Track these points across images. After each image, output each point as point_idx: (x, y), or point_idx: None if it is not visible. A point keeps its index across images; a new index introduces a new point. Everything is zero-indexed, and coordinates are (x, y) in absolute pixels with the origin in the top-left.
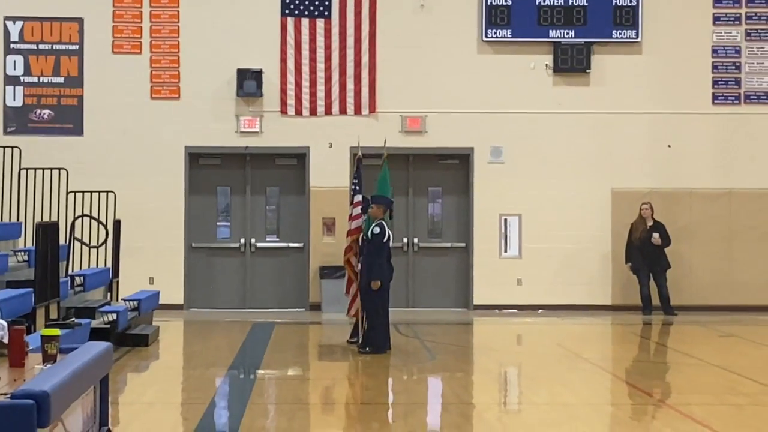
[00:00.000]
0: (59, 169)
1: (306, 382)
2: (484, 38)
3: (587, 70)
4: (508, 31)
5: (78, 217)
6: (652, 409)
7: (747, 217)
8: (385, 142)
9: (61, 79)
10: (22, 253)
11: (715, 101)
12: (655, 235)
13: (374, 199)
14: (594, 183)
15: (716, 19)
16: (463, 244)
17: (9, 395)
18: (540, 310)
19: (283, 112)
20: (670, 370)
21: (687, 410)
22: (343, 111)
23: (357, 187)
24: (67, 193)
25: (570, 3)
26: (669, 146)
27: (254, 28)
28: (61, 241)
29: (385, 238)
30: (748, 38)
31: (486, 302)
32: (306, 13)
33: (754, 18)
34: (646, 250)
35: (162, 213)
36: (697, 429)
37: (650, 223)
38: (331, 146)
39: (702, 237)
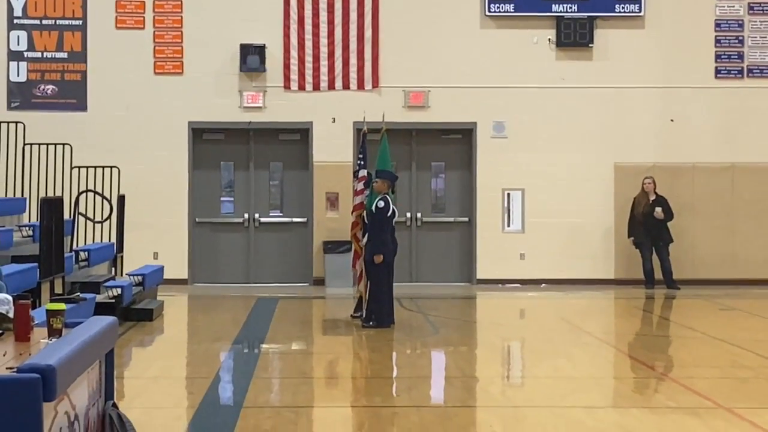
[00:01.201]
0: (63, 144)
1: (310, 357)
2: (487, 13)
3: (590, 45)
4: (511, 5)
5: (82, 192)
6: (655, 383)
7: (749, 191)
8: (383, 117)
9: (64, 55)
10: (27, 228)
11: (718, 75)
12: (658, 210)
13: (379, 174)
14: (597, 157)
15: None
16: (466, 219)
17: (15, 369)
18: (543, 285)
19: (287, 87)
20: (672, 343)
21: (690, 383)
22: (346, 86)
23: (362, 162)
24: (71, 169)
25: None
26: (672, 120)
27: (257, 3)
28: (66, 216)
29: (389, 213)
30: (751, 12)
31: (489, 277)
32: None
33: None
34: (648, 224)
35: (166, 188)
36: (700, 402)
37: (653, 197)
38: (334, 121)
39: (704, 211)
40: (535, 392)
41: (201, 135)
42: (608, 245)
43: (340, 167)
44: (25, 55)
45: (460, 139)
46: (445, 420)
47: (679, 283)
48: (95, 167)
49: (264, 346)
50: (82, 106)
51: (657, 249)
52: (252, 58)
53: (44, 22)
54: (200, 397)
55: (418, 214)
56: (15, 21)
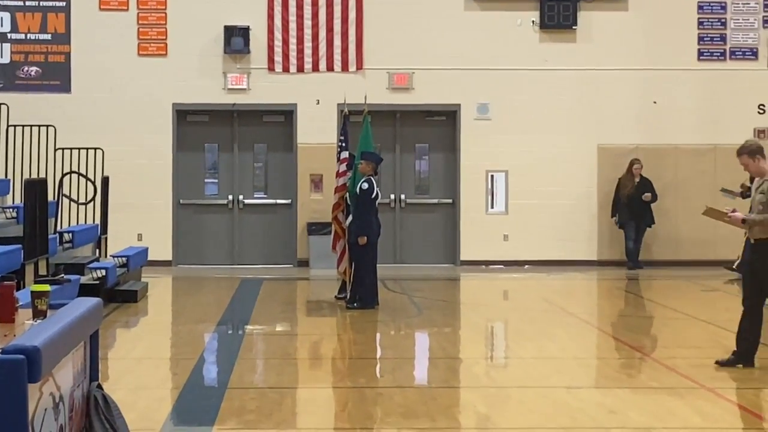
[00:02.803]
0: (47, 125)
1: (294, 338)
2: None
3: (573, 27)
4: None
5: (66, 173)
6: (638, 363)
7: (732, 172)
8: (365, 99)
9: (48, 36)
10: (11, 210)
11: (701, 57)
12: (647, 195)
13: (364, 156)
14: (580, 139)
15: None
16: (450, 201)
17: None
18: (526, 266)
19: (271, 69)
20: (655, 324)
21: (672, 363)
22: (330, 68)
23: (344, 144)
24: (55, 150)
25: None
26: (655, 102)
27: None
28: (50, 198)
29: (373, 195)
30: None
31: (473, 258)
32: None
33: None
34: (633, 205)
35: (150, 170)
36: (682, 382)
37: (637, 179)
38: (318, 103)
39: (687, 192)
40: (518, 373)
41: (185, 117)
42: (591, 226)
43: (324, 149)
44: (9, 37)
45: (444, 121)
46: (429, 400)
47: (661, 264)
48: (79, 149)
49: (248, 327)
50: (66, 88)
51: (638, 230)
52: (236, 39)
53: (28, 3)
54: (185, 378)
55: (402, 196)
56: None
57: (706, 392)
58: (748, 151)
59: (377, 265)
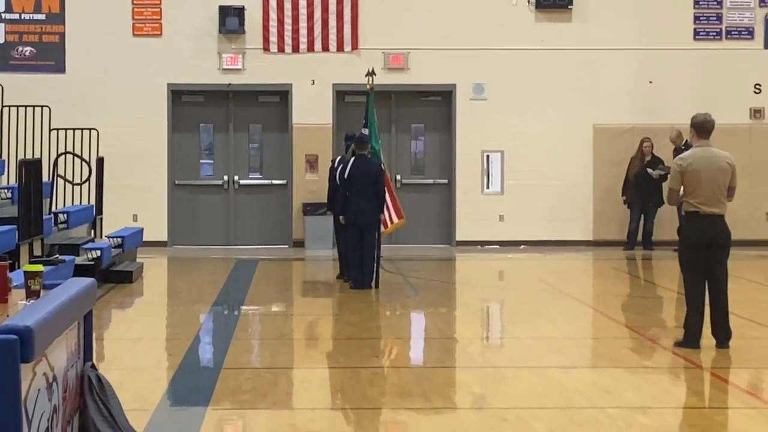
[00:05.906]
0: (42, 106)
1: (290, 318)
2: None
3: (569, 6)
4: None
5: (61, 154)
6: (634, 343)
7: (728, 151)
8: (372, 75)
9: (42, 16)
10: (6, 191)
11: (697, 37)
12: (649, 170)
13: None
14: (576, 119)
15: None
16: (446, 181)
17: None
18: (522, 246)
19: (266, 49)
20: (651, 304)
21: (667, 344)
22: (325, 48)
23: (364, 121)
24: (50, 131)
25: None
26: (651, 82)
27: None
28: (45, 179)
29: (345, 174)
30: None
31: (468, 238)
32: None
33: None
34: (641, 185)
35: (145, 150)
36: (678, 362)
37: (648, 158)
38: (313, 83)
39: None
40: (513, 353)
41: (180, 97)
42: (587, 207)
43: (319, 129)
44: (3, 17)
45: (439, 101)
46: (424, 380)
47: (661, 244)
48: (74, 129)
49: (243, 307)
50: (60, 68)
51: (646, 210)
52: (231, 19)
53: None
54: (180, 358)
55: (398, 176)
56: None
57: (702, 372)
58: None
59: (372, 248)
